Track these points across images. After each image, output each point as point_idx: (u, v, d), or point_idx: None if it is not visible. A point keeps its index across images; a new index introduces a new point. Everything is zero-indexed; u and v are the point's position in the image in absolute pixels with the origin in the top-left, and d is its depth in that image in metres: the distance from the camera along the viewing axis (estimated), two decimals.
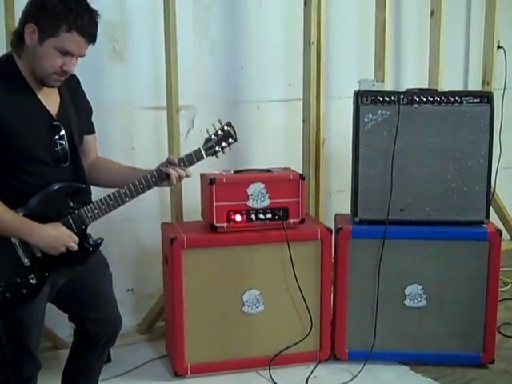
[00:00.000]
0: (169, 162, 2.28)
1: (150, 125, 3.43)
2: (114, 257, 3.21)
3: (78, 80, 2.27)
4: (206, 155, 2.30)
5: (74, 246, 2.11)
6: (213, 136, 2.32)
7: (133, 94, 3.37)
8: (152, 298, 3.43)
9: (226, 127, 2.33)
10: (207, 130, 2.33)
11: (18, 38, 2.05)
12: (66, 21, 1.98)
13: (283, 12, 3.76)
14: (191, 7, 3.47)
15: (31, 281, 2.08)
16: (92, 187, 2.28)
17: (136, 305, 3.50)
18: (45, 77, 2.05)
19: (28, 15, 2.04)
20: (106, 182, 2.33)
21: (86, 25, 2.02)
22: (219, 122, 2.34)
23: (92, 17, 2.05)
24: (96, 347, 2.38)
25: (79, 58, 2.09)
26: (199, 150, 2.30)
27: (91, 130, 2.34)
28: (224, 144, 2.32)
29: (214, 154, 2.32)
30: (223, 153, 2.33)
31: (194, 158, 2.29)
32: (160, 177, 2.25)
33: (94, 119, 2.36)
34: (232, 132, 2.33)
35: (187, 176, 2.29)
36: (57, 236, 2.08)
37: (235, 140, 2.34)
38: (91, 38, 2.06)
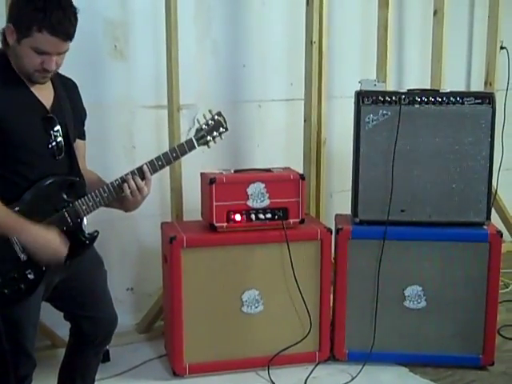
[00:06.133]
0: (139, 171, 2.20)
1: (151, 123, 3.42)
2: (114, 256, 3.23)
3: (75, 84, 2.27)
4: (198, 145, 2.30)
5: (63, 253, 2.08)
6: (204, 126, 2.32)
7: (134, 93, 3.36)
8: (151, 297, 3.43)
9: (216, 117, 2.33)
10: (198, 120, 2.32)
11: (4, 37, 2.06)
12: (35, 21, 1.95)
13: (285, 11, 3.74)
14: (193, 6, 3.47)
15: (28, 276, 2.07)
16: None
17: (135, 304, 3.49)
18: (28, 74, 2.06)
19: (8, 15, 2.05)
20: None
21: (56, 24, 1.96)
22: (209, 111, 2.33)
23: (65, 14, 1.98)
24: (92, 345, 2.37)
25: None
26: (191, 139, 2.30)
27: (83, 136, 2.33)
28: (215, 133, 2.32)
29: (206, 143, 2.32)
30: (214, 142, 2.33)
31: (185, 148, 2.29)
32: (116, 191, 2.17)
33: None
34: (222, 121, 2.33)
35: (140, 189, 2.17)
36: (50, 240, 2.04)
37: (226, 129, 2.34)
38: (66, 36, 2.00)
